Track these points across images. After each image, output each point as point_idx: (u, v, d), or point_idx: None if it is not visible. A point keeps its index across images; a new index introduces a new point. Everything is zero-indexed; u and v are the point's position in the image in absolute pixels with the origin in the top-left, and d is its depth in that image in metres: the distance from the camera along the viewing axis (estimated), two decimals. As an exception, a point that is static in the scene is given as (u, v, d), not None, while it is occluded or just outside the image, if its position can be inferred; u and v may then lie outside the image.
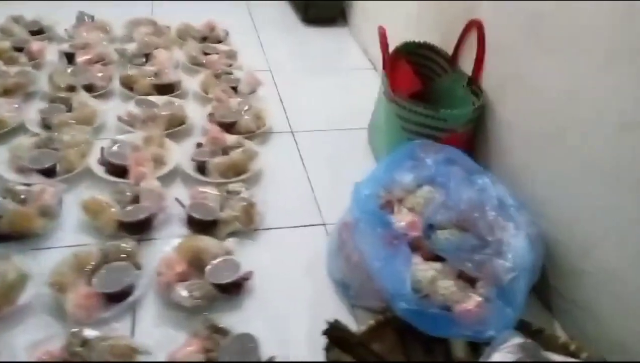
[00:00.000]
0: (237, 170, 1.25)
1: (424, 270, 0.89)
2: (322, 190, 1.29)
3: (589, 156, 0.89)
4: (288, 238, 1.14)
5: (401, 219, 0.98)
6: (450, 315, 0.84)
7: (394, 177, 1.04)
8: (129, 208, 1.07)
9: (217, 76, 1.66)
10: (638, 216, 0.80)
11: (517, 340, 0.77)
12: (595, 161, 0.88)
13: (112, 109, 1.48)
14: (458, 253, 0.91)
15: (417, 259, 0.92)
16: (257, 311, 0.95)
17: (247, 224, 1.10)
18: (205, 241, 0.99)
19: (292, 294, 1.00)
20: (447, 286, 0.89)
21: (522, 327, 0.87)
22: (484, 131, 1.22)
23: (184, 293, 0.88)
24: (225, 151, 1.29)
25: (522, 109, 1.08)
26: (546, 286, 1.02)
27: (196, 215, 1.07)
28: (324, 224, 1.18)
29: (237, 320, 0.91)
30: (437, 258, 0.95)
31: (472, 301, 0.87)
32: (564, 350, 0.87)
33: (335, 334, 0.83)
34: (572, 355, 0.86)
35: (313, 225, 1.18)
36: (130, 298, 0.91)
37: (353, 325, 0.95)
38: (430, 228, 0.98)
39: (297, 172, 1.35)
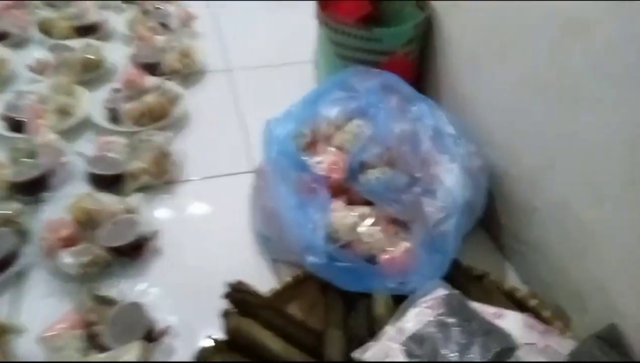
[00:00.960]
0: (154, 116, 1.11)
1: (343, 216, 0.77)
2: (259, 134, 1.14)
3: (532, 70, 0.75)
4: (211, 189, 1.02)
5: (324, 160, 0.85)
6: (368, 266, 0.73)
7: (320, 111, 0.90)
8: (21, 166, 0.95)
9: (146, 13, 1.49)
10: (589, 137, 0.66)
11: (441, 292, 0.65)
12: (538, 75, 0.74)
13: (27, 58, 1.32)
14: (386, 194, 0.79)
15: (338, 204, 0.80)
16: (162, 276, 0.85)
17: (159, 177, 0.98)
18: (102, 199, 0.86)
19: (206, 253, 0.89)
20: (372, 232, 0.78)
21: (461, 273, 0.75)
22: (431, 54, 1.07)
23: (69, 259, 0.78)
24: (143, 95, 1.15)
25: (469, 25, 0.92)
26: (496, 225, 0.90)
27: (95, 170, 0.94)
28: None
29: (136, 287, 0.80)
30: (369, 203, 0.83)
31: (398, 249, 0.75)
32: (508, 297, 0.76)
33: (237, 297, 0.71)
34: (519, 303, 0.76)
35: (242, 173, 1.05)
36: (12, 268, 0.80)
37: (273, 282, 0.84)
38: (361, 167, 0.85)
39: (230, 115, 1.21)
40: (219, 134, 1.16)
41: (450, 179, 0.75)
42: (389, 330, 0.63)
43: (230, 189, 1.02)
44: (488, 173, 0.82)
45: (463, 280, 0.76)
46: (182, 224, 0.94)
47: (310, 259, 0.71)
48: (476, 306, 0.65)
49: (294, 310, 0.79)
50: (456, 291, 0.65)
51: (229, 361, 0.66)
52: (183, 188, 1.02)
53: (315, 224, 0.74)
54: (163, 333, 0.74)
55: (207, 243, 0.91)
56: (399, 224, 0.81)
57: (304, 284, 0.80)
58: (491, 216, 0.88)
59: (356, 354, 0.62)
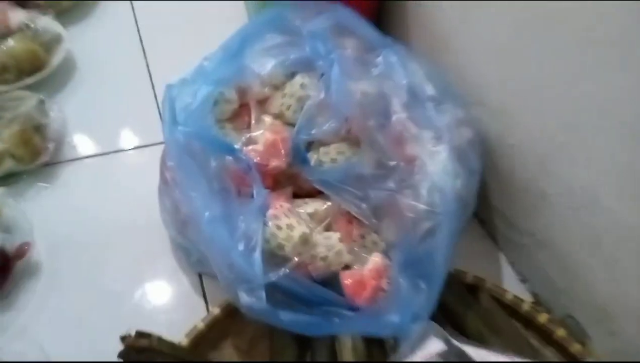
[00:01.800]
0: (22, 69, 0.81)
1: (288, 223, 0.54)
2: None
3: None
4: (111, 171, 0.77)
5: (257, 138, 0.60)
6: (329, 298, 0.52)
7: (248, 65, 0.64)
8: None
9: None
10: (624, 98, 0.46)
11: (435, 345, 0.46)
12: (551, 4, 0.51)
13: None
14: (345, 185, 0.56)
15: (280, 205, 0.57)
16: (38, 310, 0.61)
17: (30, 160, 0.71)
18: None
19: (106, 268, 0.66)
20: (330, 243, 0.56)
21: (451, 287, 0.56)
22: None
23: None
24: (4, 38, 0.84)
25: None
26: (487, 208, 0.71)
27: None
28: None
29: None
30: (320, 191, 0.60)
31: (368, 266, 0.54)
32: (512, 313, 0.59)
33: (138, 358, 0.49)
34: (525, 319, 0.58)
35: (156, 144, 0.80)
36: None
37: (201, 306, 0.63)
38: (309, 146, 0.62)
39: (131, 62, 0.92)
40: (120, 90, 0.88)
41: (436, 166, 0.54)
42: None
43: (140, 169, 0.77)
44: (481, 148, 0.61)
45: (454, 300, 0.57)
46: (69, 226, 0.69)
47: (244, 299, 0.49)
48: (482, 355, 0.46)
49: (228, 351, 0.58)
50: (455, 345, 0.45)
51: None
52: (69, 172, 0.76)
53: (248, 242, 0.52)
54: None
55: (107, 252, 0.67)
56: (363, 223, 0.60)
57: (240, 314, 0.58)
58: (482, 196, 0.68)
59: None
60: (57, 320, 0.61)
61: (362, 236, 0.60)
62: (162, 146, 0.66)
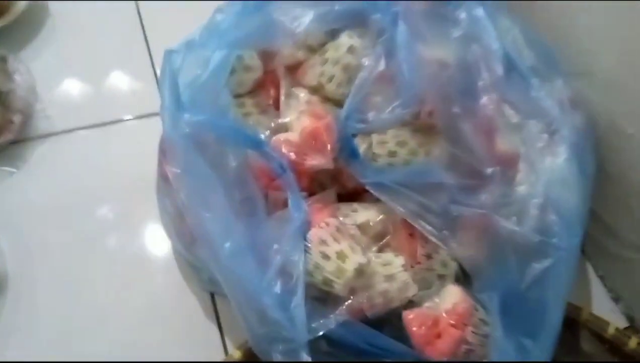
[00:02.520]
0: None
1: (340, 254, 0.40)
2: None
3: None
4: (93, 149, 0.61)
5: (291, 125, 0.45)
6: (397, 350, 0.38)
7: (276, 19, 0.47)
8: None
9: None
10: None
11: None
12: None
13: None
14: (409, 193, 0.41)
15: (325, 220, 0.42)
16: (6, 332, 0.48)
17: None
18: None
19: (90, 285, 0.53)
20: (392, 274, 0.42)
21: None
22: None
23: None
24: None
25: None
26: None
27: None
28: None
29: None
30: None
31: (441, 313, 0.40)
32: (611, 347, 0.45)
33: None
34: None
35: (149, 116, 0.63)
36: None
37: (214, 336, 0.49)
38: (361, 134, 0.46)
39: (119, 8, 0.74)
40: (104, 43, 0.71)
41: (550, 173, 0.38)
42: None
43: (132, 147, 0.61)
44: (593, 141, 0.45)
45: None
46: (44, 224, 0.55)
47: (279, 357, 0.35)
48: None
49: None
50: None
51: None
52: (41, 152, 0.60)
53: (286, 282, 0.37)
54: None
55: (92, 258, 0.53)
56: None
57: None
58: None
59: None
60: (30, 345, 0.47)
61: (429, 256, 0.45)
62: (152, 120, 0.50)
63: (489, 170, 0.39)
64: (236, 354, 0.45)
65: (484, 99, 0.42)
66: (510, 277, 0.37)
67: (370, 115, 0.44)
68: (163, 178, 0.48)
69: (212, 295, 0.52)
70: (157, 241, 0.55)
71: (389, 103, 0.43)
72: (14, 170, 0.58)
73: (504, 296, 0.37)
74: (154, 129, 0.46)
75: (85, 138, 0.62)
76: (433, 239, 0.42)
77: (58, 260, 0.53)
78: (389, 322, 0.42)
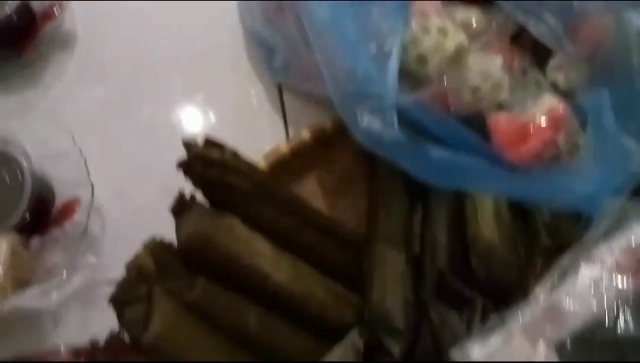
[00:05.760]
0: None
1: (441, 29, 0.38)
2: None
3: None
4: None
5: None
6: (479, 143, 0.37)
7: None
8: None
9: None
10: None
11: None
12: None
13: None
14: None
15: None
16: (69, 90, 0.48)
17: None
18: None
19: (154, 52, 0.50)
20: (488, 71, 0.40)
21: None
22: None
23: None
24: None
25: None
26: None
27: None
28: None
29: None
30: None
31: (534, 116, 0.39)
32: None
33: (203, 170, 0.36)
34: None
35: None
36: None
37: (276, 131, 0.49)
38: None
39: None
40: None
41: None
42: (531, 304, 0.31)
43: None
44: None
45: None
46: None
47: (366, 122, 0.34)
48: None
49: (311, 186, 0.45)
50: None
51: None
52: None
53: (382, 43, 0.36)
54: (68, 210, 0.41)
55: (161, 34, 0.51)
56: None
57: (332, 144, 0.45)
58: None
59: (457, 353, 0.30)
60: (91, 110, 0.48)
61: (524, 71, 0.43)
62: None
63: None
64: (305, 135, 0.45)
65: None
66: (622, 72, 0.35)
67: None
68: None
69: (280, 88, 0.51)
70: (228, 26, 0.53)
71: None
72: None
73: (612, 94, 0.35)
74: None
75: None
76: (545, 41, 0.40)
77: (125, 30, 0.53)
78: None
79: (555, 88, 0.42)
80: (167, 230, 0.35)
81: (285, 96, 0.51)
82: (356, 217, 0.44)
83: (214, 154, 0.36)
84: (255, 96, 0.51)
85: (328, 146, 0.46)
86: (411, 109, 0.37)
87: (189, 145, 0.36)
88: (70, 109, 0.46)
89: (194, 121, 0.49)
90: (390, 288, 0.38)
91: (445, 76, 0.39)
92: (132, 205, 0.44)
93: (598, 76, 0.37)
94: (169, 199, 0.36)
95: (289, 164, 0.44)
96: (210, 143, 0.37)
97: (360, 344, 0.34)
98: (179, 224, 0.36)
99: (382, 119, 0.34)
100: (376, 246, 0.40)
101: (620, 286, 0.30)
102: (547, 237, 0.38)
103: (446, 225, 0.40)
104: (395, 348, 0.35)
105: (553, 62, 0.43)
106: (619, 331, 0.29)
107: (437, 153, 0.34)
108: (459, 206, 0.40)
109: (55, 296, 0.34)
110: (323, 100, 0.48)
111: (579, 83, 0.41)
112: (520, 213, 0.40)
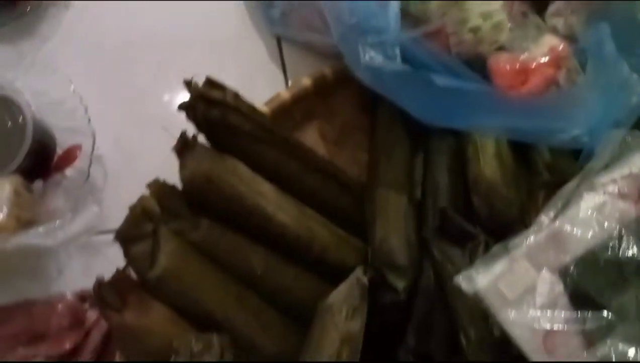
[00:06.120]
0: None
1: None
2: None
3: None
4: None
5: None
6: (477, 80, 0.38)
7: None
8: None
9: None
10: None
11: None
12: None
13: None
14: None
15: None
16: (66, 39, 0.47)
17: None
18: None
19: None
20: (488, 12, 0.40)
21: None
22: None
23: None
24: None
25: None
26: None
27: None
28: None
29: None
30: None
31: (534, 55, 0.39)
32: None
33: (205, 111, 0.36)
34: None
35: None
36: None
37: (276, 83, 0.49)
38: None
39: None
40: None
41: None
42: (535, 232, 0.31)
43: None
44: None
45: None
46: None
47: (368, 56, 0.34)
48: None
49: (312, 135, 0.46)
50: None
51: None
52: None
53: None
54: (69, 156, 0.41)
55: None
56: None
57: (332, 94, 0.45)
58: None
59: (462, 280, 0.30)
60: (89, 60, 0.47)
61: (524, 15, 0.43)
62: None
63: None
64: (306, 82, 0.45)
65: None
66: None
67: None
68: None
69: (279, 41, 0.51)
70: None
71: None
72: None
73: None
74: None
75: None
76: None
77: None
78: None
79: (555, 32, 0.42)
80: (169, 178, 0.35)
81: (285, 48, 0.51)
82: (357, 168, 0.44)
83: (216, 94, 0.36)
84: (254, 48, 0.51)
85: (328, 96, 0.46)
86: (412, 46, 0.37)
87: (190, 85, 0.36)
88: (68, 60, 0.46)
89: (192, 74, 0.49)
90: (393, 228, 0.38)
91: (445, 16, 0.39)
92: (133, 154, 0.44)
93: (597, 16, 0.37)
94: (171, 146, 0.36)
95: (290, 112, 0.44)
96: (211, 83, 0.37)
97: (364, 280, 0.34)
98: (182, 164, 0.36)
99: (384, 53, 0.34)
100: (378, 190, 0.40)
101: (622, 212, 0.31)
102: (548, 175, 0.38)
103: (447, 168, 0.40)
104: (399, 284, 0.35)
105: (552, 8, 0.43)
106: (621, 255, 0.30)
107: (441, 80, 0.34)
108: (460, 149, 0.40)
109: (59, 235, 0.34)
110: (322, 50, 0.48)
111: (579, 27, 0.41)
112: (521, 154, 0.40)
